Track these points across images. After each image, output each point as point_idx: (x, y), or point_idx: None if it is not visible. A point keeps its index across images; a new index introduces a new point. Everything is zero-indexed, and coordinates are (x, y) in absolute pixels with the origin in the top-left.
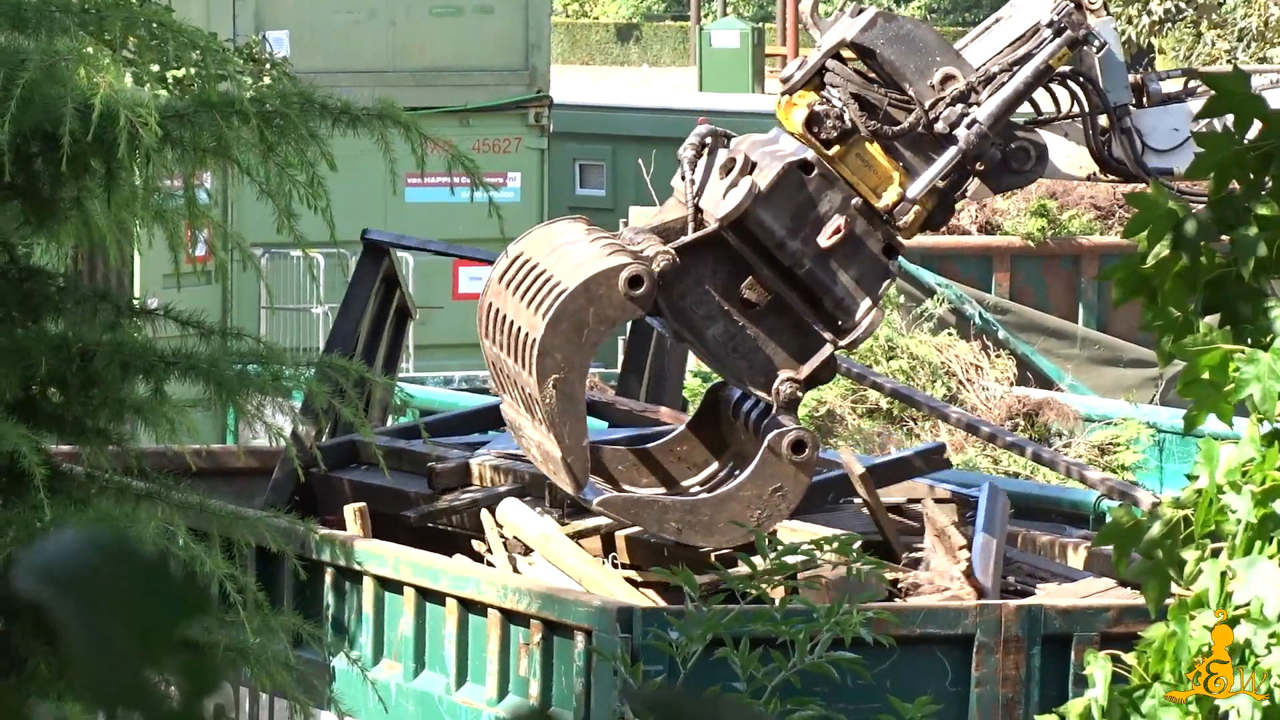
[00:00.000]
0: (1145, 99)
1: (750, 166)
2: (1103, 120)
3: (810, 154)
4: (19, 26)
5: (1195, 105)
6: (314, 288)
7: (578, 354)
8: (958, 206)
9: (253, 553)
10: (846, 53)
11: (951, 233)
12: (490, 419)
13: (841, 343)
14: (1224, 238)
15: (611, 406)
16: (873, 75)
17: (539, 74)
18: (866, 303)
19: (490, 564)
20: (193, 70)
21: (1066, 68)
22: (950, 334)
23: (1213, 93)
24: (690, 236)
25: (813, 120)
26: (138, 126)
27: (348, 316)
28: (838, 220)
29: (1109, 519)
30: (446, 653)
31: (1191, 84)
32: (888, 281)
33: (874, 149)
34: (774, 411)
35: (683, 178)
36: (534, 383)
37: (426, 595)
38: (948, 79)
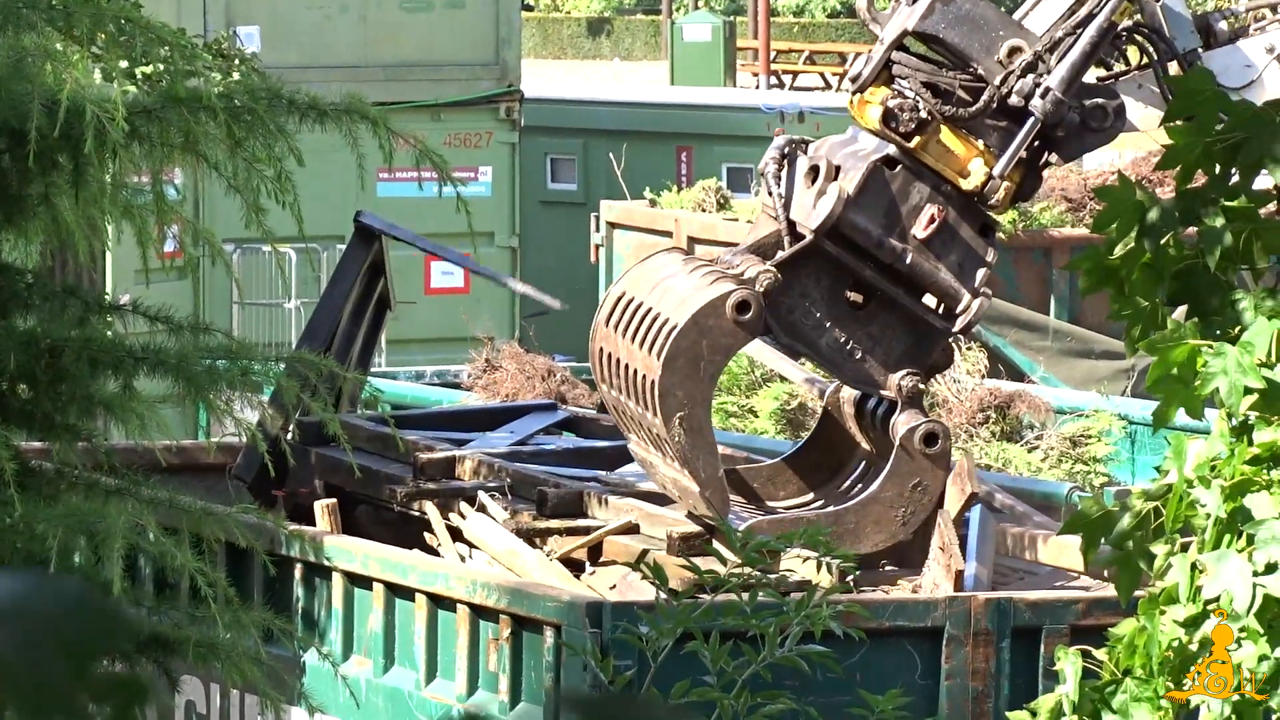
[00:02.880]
0: (1212, 39)
1: (835, 171)
2: (1174, 68)
3: (892, 149)
4: None
5: (1267, 39)
6: (284, 283)
7: (698, 388)
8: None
9: (223, 548)
10: (910, 40)
11: None
12: (471, 421)
13: (954, 328)
14: (1190, 229)
15: (594, 422)
16: (940, 59)
17: (510, 68)
18: (972, 284)
19: (439, 554)
20: (160, 66)
21: (1129, 21)
22: None
23: None
24: (788, 251)
25: (889, 116)
26: (105, 122)
27: (331, 299)
28: (930, 210)
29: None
30: (416, 648)
31: (1260, 14)
32: (990, 260)
33: (953, 132)
34: (899, 408)
35: (769, 192)
36: (660, 423)
37: (396, 591)
38: (1014, 51)
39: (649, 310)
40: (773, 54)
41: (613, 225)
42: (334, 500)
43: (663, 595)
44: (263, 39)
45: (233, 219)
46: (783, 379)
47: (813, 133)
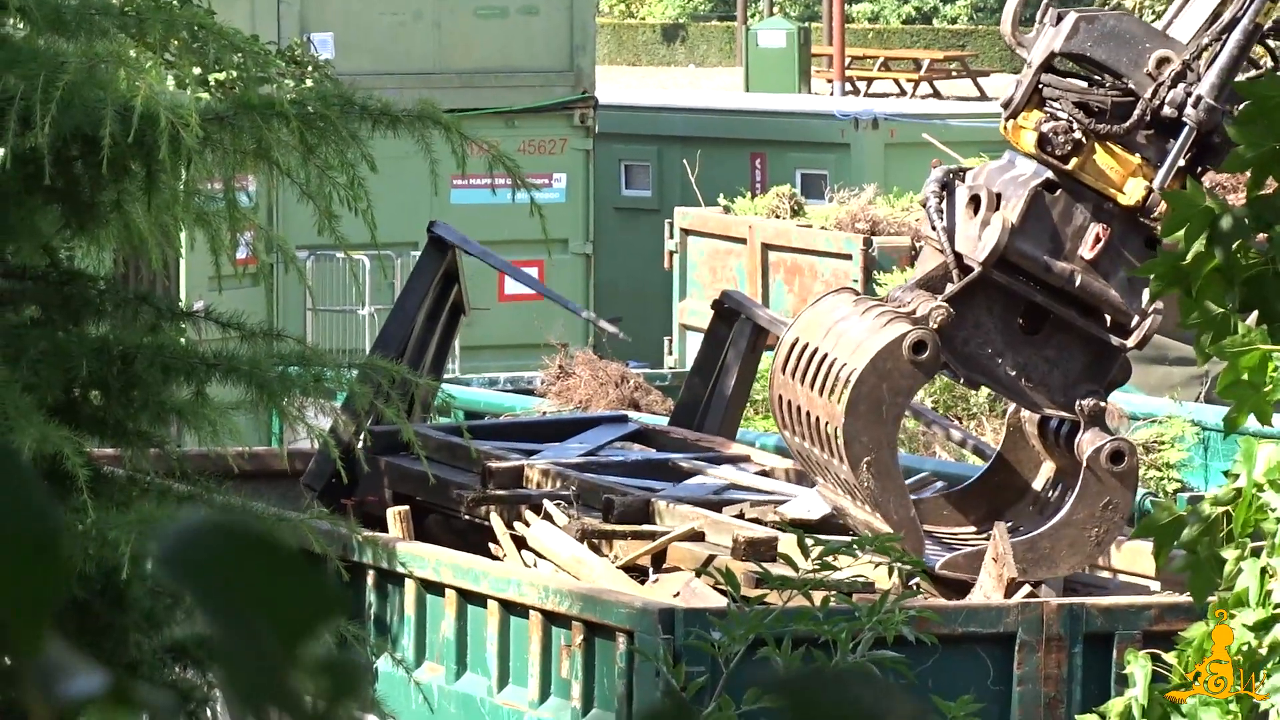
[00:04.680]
0: None
1: (996, 200)
2: None
3: (1050, 173)
4: (59, 29)
5: None
6: (358, 289)
7: (882, 431)
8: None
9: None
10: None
11: None
12: (542, 433)
13: (1130, 343)
14: (1261, 236)
15: (665, 435)
16: (1089, 76)
17: (584, 75)
18: (1144, 299)
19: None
20: (234, 73)
21: (1273, 21)
22: None
23: None
24: (958, 285)
25: (1044, 140)
26: (178, 128)
27: (404, 308)
28: (1095, 229)
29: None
30: (488, 654)
31: None
32: None
33: (1108, 150)
34: (1082, 428)
35: (932, 226)
36: (847, 469)
37: (468, 597)
38: (1163, 62)
39: (825, 356)
40: (847, 60)
41: (686, 232)
42: (406, 507)
43: (734, 601)
44: (336, 46)
45: (305, 226)
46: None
47: (887, 139)
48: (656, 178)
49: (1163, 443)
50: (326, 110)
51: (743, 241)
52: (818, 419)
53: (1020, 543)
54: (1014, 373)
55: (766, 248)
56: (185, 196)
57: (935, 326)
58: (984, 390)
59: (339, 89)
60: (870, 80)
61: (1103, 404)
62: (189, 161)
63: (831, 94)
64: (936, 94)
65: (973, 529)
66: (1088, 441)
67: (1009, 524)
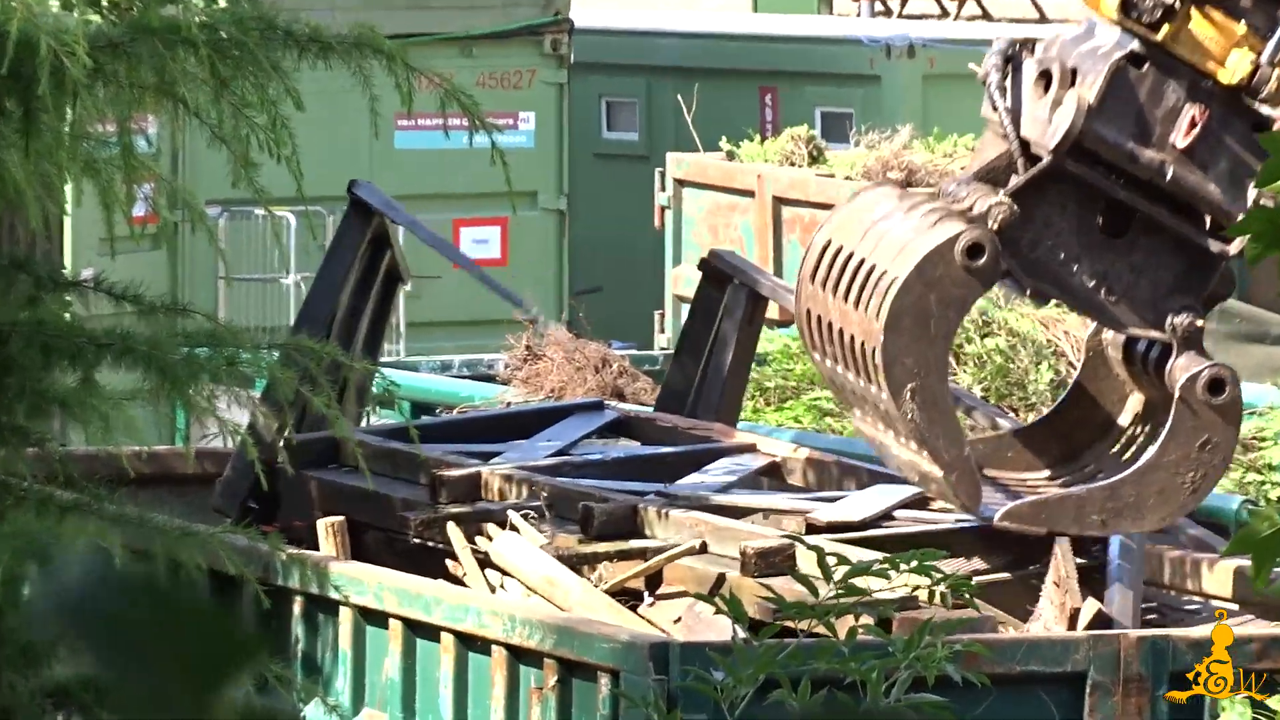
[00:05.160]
0: None
1: (1071, 76)
2: None
3: (1136, 43)
4: None
5: None
6: (281, 254)
7: (930, 352)
8: None
9: (206, 576)
10: None
11: None
12: (506, 428)
13: (1231, 249)
14: None
15: (650, 423)
16: None
17: None
18: (1250, 194)
19: (466, 585)
20: None
21: None
22: (1059, 305)
23: None
24: (1023, 177)
25: (1129, 5)
26: (62, 58)
27: (326, 282)
28: (1190, 111)
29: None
30: (442, 699)
31: None
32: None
33: (1206, 17)
34: (1175, 351)
35: (994, 107)
36: (888, 398)
37: (417, 629)
38: None
39: (862, 262)
40: None
41: (681, 183)
42: (341, 518)
43: (740, 632)
44: None
45: (218, 177)
46: None
47: (926, 69)
48: (645, 117)
49: (1263, 439)
50: (243, 36)
51: (750, 195)
52: (852, 337)
53: (1098, 490)
54: (1091, 283)
55: (779, 202)
56: (71, 140)
57: (995, 226)
58: (1046, 376)
59: (258, 10)
60: None
61: (1199, 323)
62: (75, 98)
63: (858, 14)
64: (986, 14)
65: (1045, 474)
66: (1181, 368)
67: (1087, 467)
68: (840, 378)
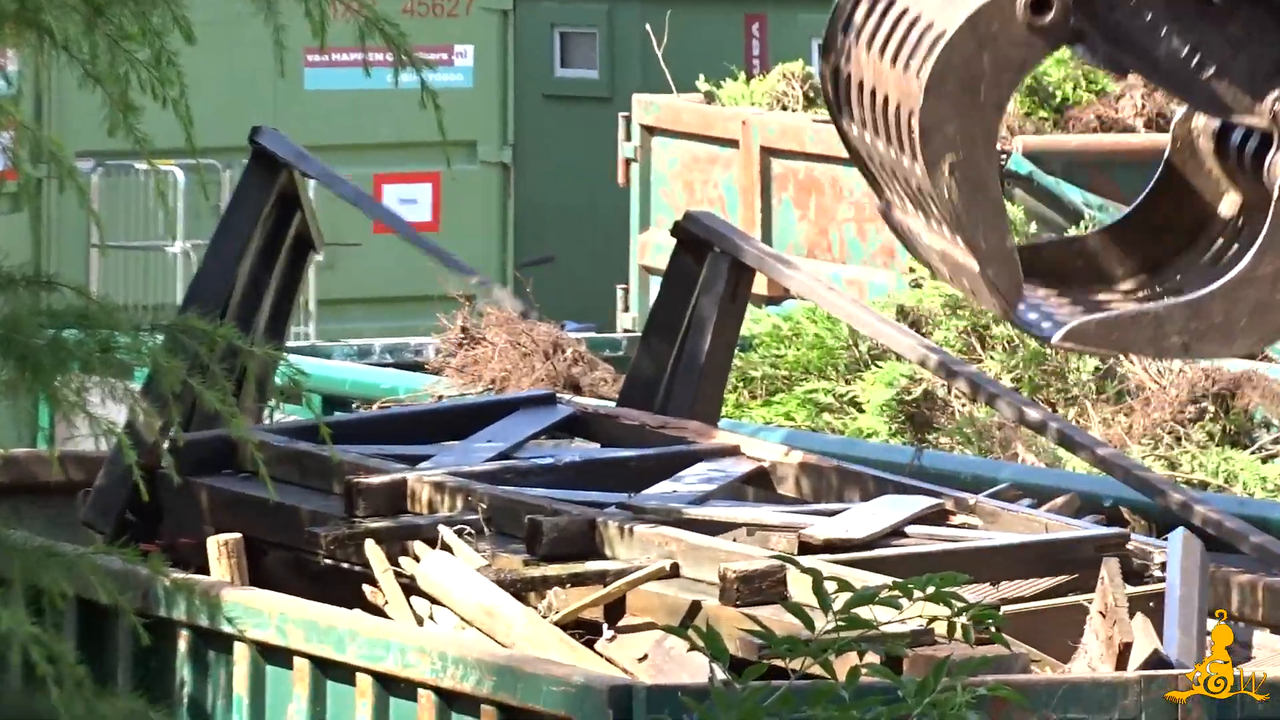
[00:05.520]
0: None
1: None
2: None
3: None
4: None
5: None
6: (167, 217)
7: (977, 121)
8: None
9: (73, 605)
10: None
11: (1107, 129)
12: (437, 427)
13: None
14: None
15: (611, 421)
16: None
17: None
18: None
19: (388, 616)
20: None
21: None
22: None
23: None
24: None
25: None
26: None
27: (221, 250)
28: None
29: None
30: None
31: None
32: None
33: None
34: (1275, 144)
35: None
36: (922, 172)
37: (328, 669)
38: None
39: (905, 11)
40: None
41: (650, 131)
42: (238, 535)
43: (719, 673)
44: None
45: (91, 124)
46: (899, 357)
47: None
48: (606, 51)
49: None
50: None
51: (734, 145)
52: (887, 98)
53: (1182, 305)
54: (1179, 56)
55: (768, 154)
56: None
57: None
58: (1090, 363)
59: None
60: None
61: None
62: None
63: None
64: None
65: (1119, 287)
66: None
67: (1169, 281)
68: (868, 147)
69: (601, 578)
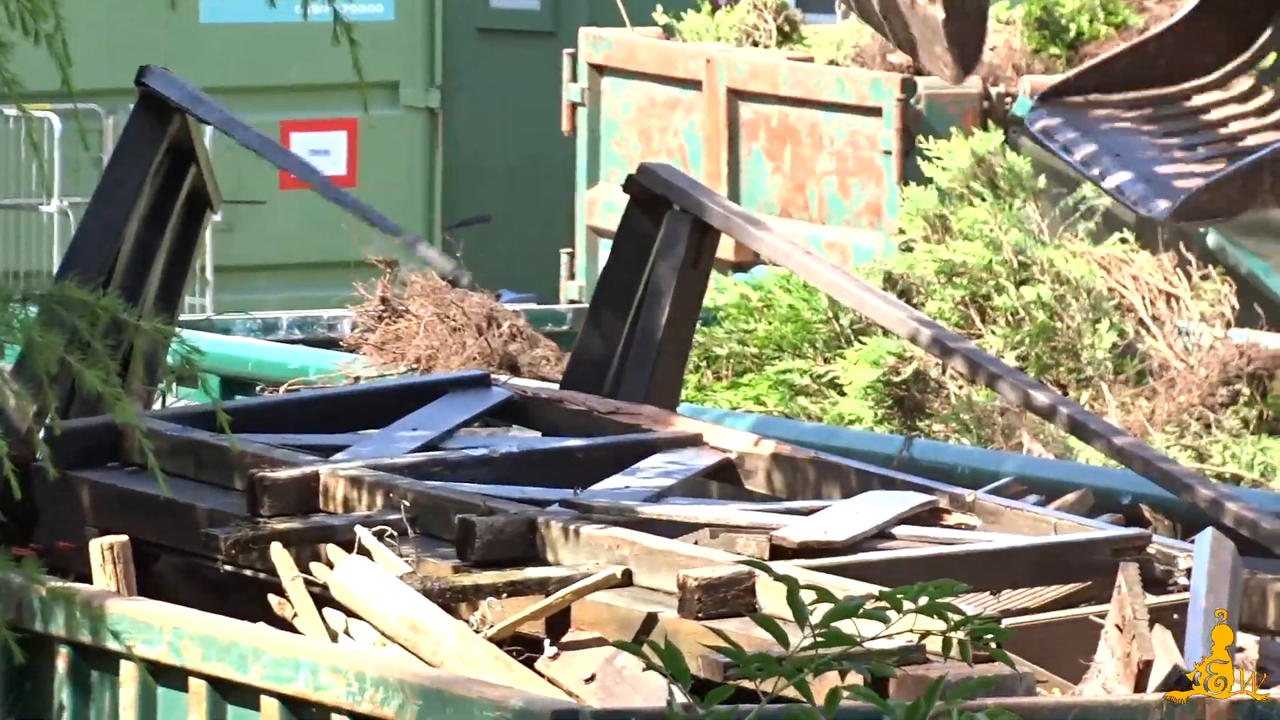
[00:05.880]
0: None
1: None
2: None
3: None
4: None
5: None
6: (41, 171)
7: None
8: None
9: None
10: None
11: None
12: (353, 413)
13: None
14: None
15: (554, 405)
16: None
17: None
18: None
19: (297, 631)
20: None
21: None
22: (1125, 241)
23: None
24: None
25: None
26: None
27: (104, 210)
28: None
29: None
30: None
31: None
32: None
33: None
34: None
35: None
36: None
37: (228, 691)
38: None
39: None
40: None
41: (600, 70)
42: (125, 538)
43: (679, 695)
44: None
45: None
46: (886, 332)
47: None
48: None
49: None
50: None
51: (697, 86)
52: None
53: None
54: None
55: (736, 96)
56: None
57: None
58: (1107, 339)
59: None
60: None
61: None
62: None
63: None
64: None
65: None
66: None
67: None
68: None
69: (543, 586)
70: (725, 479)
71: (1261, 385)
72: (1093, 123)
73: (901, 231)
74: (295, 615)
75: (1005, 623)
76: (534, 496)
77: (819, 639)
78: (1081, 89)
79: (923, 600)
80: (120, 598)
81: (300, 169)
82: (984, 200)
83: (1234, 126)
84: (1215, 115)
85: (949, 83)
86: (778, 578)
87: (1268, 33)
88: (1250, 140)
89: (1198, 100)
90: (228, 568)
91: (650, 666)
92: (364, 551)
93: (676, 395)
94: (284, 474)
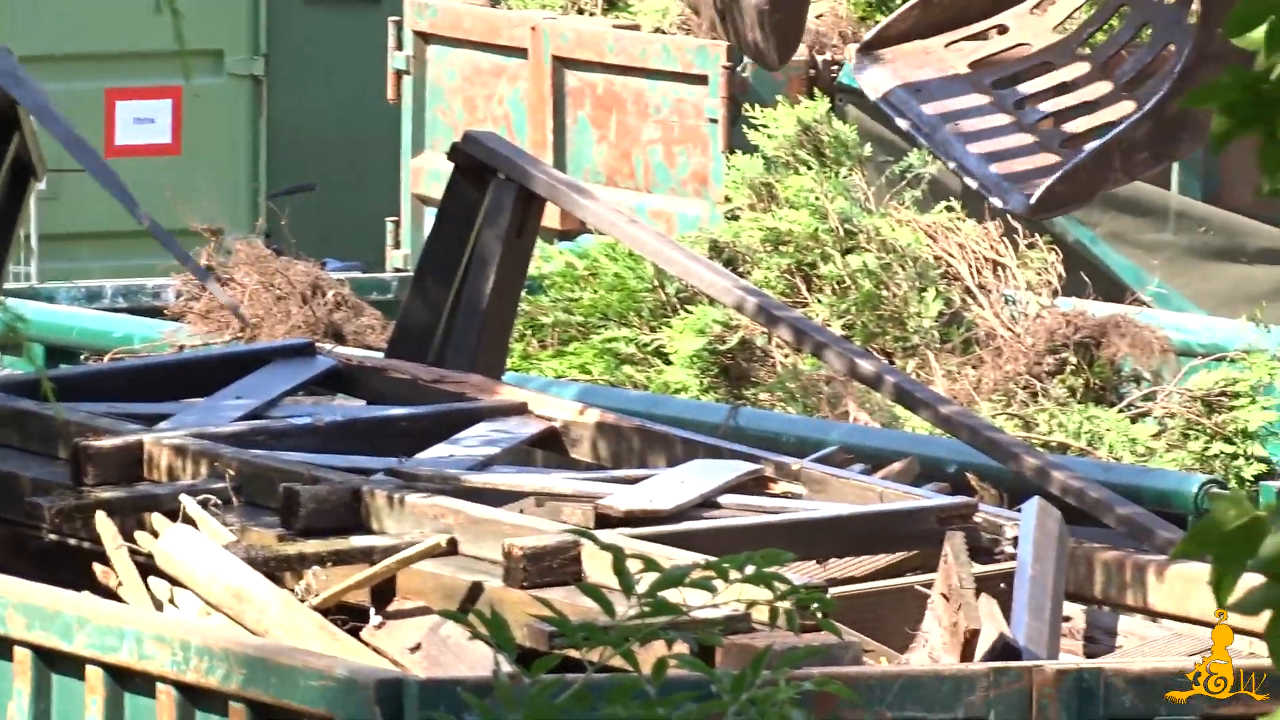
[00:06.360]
0: None
1: None
2: None
3: None
4: None
5: None
6: None
7: None
8: None
9: None
10: None
11: None
12: (177, 381)
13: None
14: None
15: (379, 374)
16: None
17: None
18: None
19: (122, 600)
20: None
21: None
22: (951, 209)
23: None
24: None
25: None
26: None
27: None
28: None
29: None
30: None
31: None
32: None
33: None
34: None
35: None
36: None
37: (53, 661)
38: None
39: None
40: None
41: (425, 38)
42: None
43: (505, 665)
44: None
45: None
46: (712, 300)
47: None
48: None
49: (1235, 395)
50: None
51: (522, 54)
52: None
53: (1144, 120)
54: None
55: (561, 64)
56: None
57: None
58: (934, 308)
59: None
60: None
61: None
62: None
63: None
64: None
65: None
66: None
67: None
68: None
69: (368, 555)
70: (551, 448)
71: (1088, 354)
72: (924, 81)
73: (727, 200)
74: (120, 584)
75: (832, 592)
76: (359, 465)
77: (645, 608)
78: (905, 34)
79: (749, 569)
80: None
81: (104, 176)
82: (810, 168)
83: (1072, 92)
84: (1052, 78)
85: (767, 69)
86: (603, 546)
87: None
88: (1083, 118)
89: (1034, 62)
90: (52, 537)
91: (475, 636)
92: (189, 520)
93: (502, 364)
94: (108, 443)
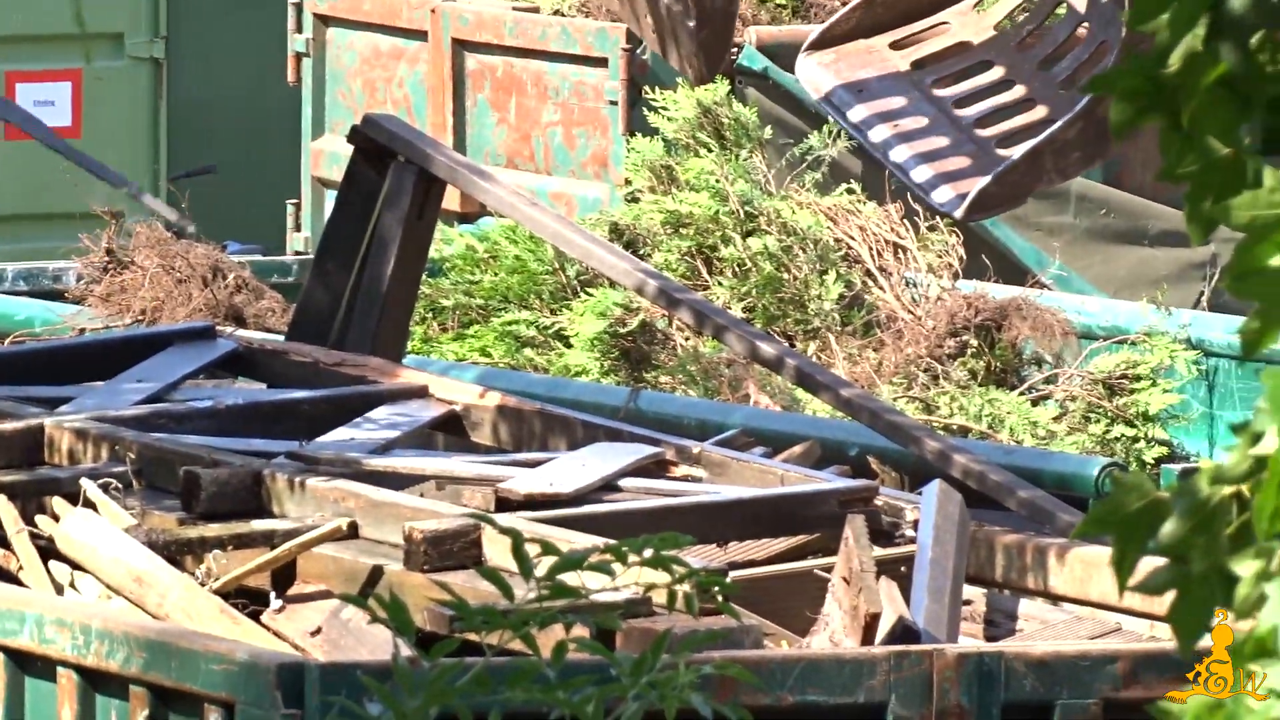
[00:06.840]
0: None
1: None
2: None
3: None
4: None
5: None
6: None
7: None
8: None
9: None
10: None
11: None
12: (78, 364)
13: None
14: None
15: (280, 357)
16: None
17: None
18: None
19: (22, 584)
20: None
21: None
22: (852, 192)
23: None
24: None
25: None
26: None
27: None
28: None
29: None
30: None
31: None
32: None
33: None
34: None
35: None
36: None
37: None
38: None
39: None
40: None
41: (325, 20)
42: None
43: (404, 648)
44: None
45: None
46: (612, 283)
47: None
48: None
49: (1138, 377)
50: None
51: (422, 36)
52: None
53: (1074, 122)
54: None
55: (461, 47)
56: None
57: None
58: (834, 290)
59: None
60: None
61: None
62: None
63: None
64: None
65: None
66: None
67: None
68: None
69: (268, 539)
70: (451, 431)
71: (989, 337)
72: (865, 80)
73: (627, 182)
74: (20, 568)
75: (732, 575)
76: (259, 449)
77: (544, 592)
78: (849, 33)
79: (648, 553)
80: None
81: (25, 121)
82: (710, 151)
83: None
84: (991, 74)
85: (692, 82)
86: (503, 530)
87: None
88: (1018, 117)
89: (974, 57)
90: None
91: (375, 619)
92: (89, 504)
93: (402, 347)
94: (8, 426)
